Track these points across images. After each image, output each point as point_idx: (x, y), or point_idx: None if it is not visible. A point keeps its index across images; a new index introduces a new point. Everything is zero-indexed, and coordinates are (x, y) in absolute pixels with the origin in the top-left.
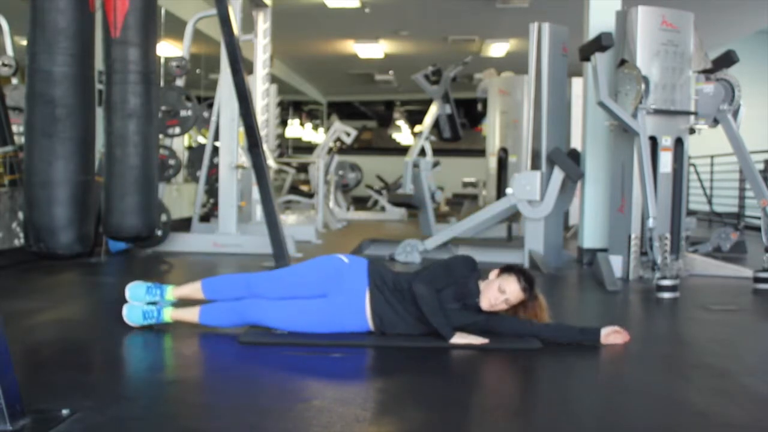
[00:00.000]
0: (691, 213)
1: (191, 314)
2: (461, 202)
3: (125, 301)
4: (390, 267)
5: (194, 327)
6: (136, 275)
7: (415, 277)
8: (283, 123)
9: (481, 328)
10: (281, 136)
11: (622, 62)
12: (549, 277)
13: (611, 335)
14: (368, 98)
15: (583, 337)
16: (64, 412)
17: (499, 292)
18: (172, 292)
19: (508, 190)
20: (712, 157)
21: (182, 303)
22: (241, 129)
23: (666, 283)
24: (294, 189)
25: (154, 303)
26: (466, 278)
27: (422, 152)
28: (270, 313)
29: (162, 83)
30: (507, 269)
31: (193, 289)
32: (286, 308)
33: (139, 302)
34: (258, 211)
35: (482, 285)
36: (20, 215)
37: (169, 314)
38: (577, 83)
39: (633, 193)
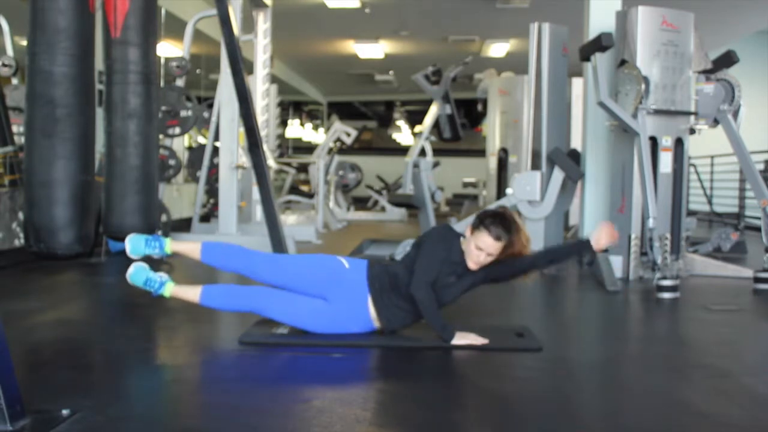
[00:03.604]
0: (691, 213)
1: (192, 293)
2: (461, 202)
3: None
4: (386, 263)
5: (194, 325)
6: None
7: (405, 270)
8: (284, 123)
9: (483, 282)
10: (281, 137)
11: (623, 62)
12: (549, 278)
13: (602, 238)
14: (368, 98)
15: (577, 251)
16: (64, 412)
17: (477, 251)
18: (170, 246)
19: (509, 191)
20: (712, 157)
21: (181, 286)
22: (242, 129)
23: (666, 283)
24: (294, 189)
25: (151, 269)
26: (449, 251)
27: (422, 152)
28: (275, 306)
29: (162, 83)
30: (477, 224)
31: (192, 249)
32: (293, 303)
33: (138, 255)
34: (258, 211)
35: (464, 246)
36: (20, 215)
37: (169, 290)
38: (577, 83)
39: (633, 193)
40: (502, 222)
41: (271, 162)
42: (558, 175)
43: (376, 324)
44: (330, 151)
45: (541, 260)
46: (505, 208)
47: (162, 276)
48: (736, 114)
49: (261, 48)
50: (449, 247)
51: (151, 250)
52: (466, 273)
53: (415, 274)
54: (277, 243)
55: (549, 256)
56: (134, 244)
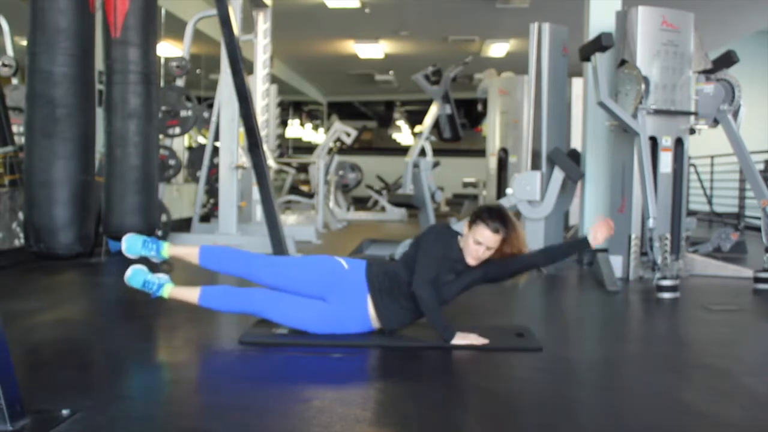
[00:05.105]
0: (691, 213)
1: (190, 294)
2: (461, 202)
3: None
4: (384, 263)
5: (194, 325)
6: None
7: (405, 269)
8: (284, 123)
9: (481, 280)
10: (281, 137)
11: (623, 62)
12: (549, 277)
13: (598, 234)
14: (368, 98)
15: (575, 249)
16: (64, 412)
17: (476, 245)
18: (168, 250)
19: (509, 191)
20: (712, 157)
21: (180, 283)
22: (242, 129)
23: (666, 283)
24: (294, 189)
25: (148, 264)
26: (448, 249)
27: (422, 152)
28: (274, 307)
29: (162, 83)
30: (474, 219)
31: (190, 253)
32: (292, 305)
33: (134, 255)
34: (258, 211)
35: (461, 244)
36: (20, 215)
37: (168, 291)
38: (577, 83)
39: (633, 193)
40: (498, 215)
41: (271, 162)
42: (558, 175)
43: (375, 324)
44: (330, 151)
45: (540, 258)
46: (500, 205)
47: (160, 277)
48: (736, 114)
49: (261, 48)
50: (447, 244)
51: (148, 252)
52: (465, 271)
53: (416, 273)
54: (277, 243)
55: (548, 255)
56: (130, 243)
